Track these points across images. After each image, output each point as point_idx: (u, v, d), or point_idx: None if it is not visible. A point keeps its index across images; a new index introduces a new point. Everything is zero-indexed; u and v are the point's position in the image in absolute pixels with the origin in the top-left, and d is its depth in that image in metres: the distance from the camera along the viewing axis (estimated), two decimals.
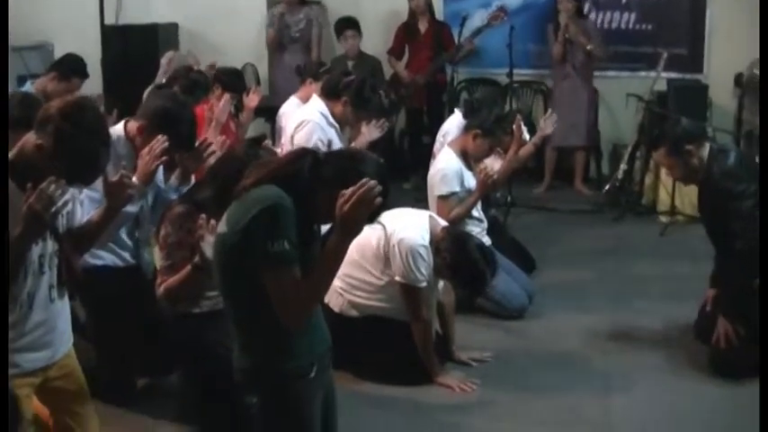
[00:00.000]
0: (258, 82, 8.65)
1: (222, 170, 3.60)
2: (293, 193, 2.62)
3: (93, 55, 8.17)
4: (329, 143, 5.17)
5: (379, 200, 2.49)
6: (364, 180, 2.48)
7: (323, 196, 2.59)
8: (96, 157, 3.08)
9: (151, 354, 4.29)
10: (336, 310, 4.46)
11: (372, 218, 2.63)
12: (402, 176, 8.32)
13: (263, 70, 8.92)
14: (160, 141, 3.83)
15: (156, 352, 4.24)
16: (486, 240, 5.27)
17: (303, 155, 2.80)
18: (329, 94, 5.44)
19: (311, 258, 2.65)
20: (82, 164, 3.03)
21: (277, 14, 8.51)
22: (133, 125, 4.10)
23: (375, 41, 8.68)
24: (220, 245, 2.71)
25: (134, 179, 3.75)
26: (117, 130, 4.13)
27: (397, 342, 4.33)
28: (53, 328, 3.35)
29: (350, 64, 8.17)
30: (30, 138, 3.05)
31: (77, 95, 3.71)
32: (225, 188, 2.93)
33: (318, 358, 2.82)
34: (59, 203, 2.93)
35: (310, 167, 2.69)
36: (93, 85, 8.29)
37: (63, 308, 3.42)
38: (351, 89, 5.33)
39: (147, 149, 3.86)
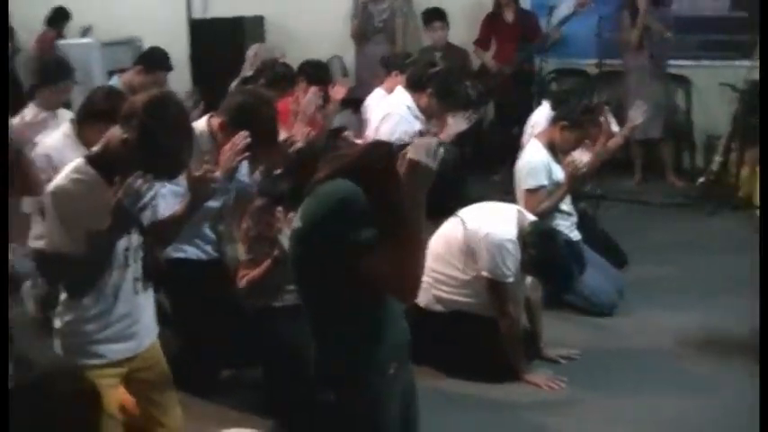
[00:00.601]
0: (345, 74, 8.66)
1: (299, 162, 3.58)
2: (367, 185, 2.58)
3: (180, 49, 8.32)
4: (413, 135, 5.12)
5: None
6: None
7: (397, 188, 2.51)
8: (180, 152, 3.09)
9: (234, 346, 4.31)
10: (421, 304, 4.40)
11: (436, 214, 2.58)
12: (491, 169, 8.22)
13: (350, 62, 8.90)
14: (242, 137, 3.82)
15: (239, 344, 4.26)
16: (576, 235, 5.17)
17: (375, 147, 2.76)
18: (414, 86, 5.39)
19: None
20: (166, 159, 3.04)
21: (360, 4, 8.48)
22: (216, 121, 4.10)
23: (461, 32, 8.58)
24: (295, 240, 2.69)
25: (217, 174, 3.76)
26: (200, 125, 4.14)
27: (482, 338, 4.26)
28: (137, 320, 3.39)
29: (437, 55, 8.08)
30: (115, 132, 3.07)
31: (163, 89, 3.72)
32: (301, 181, 2.90)
33: (397, 354, 2.78)
34: (146, 198, 2.95)
35: (385, 159, 2.65)
36: (181, 79, 8.44)
37: (147, 300, 3.46)
38: (436, 81, 5.27)
39: (229, 145, 3.86)
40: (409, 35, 8.79)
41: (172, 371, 3.74)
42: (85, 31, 9.88)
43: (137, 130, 2.97)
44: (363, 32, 8.55)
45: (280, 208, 3.59)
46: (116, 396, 3.48)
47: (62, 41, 9.29)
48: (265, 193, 3.89)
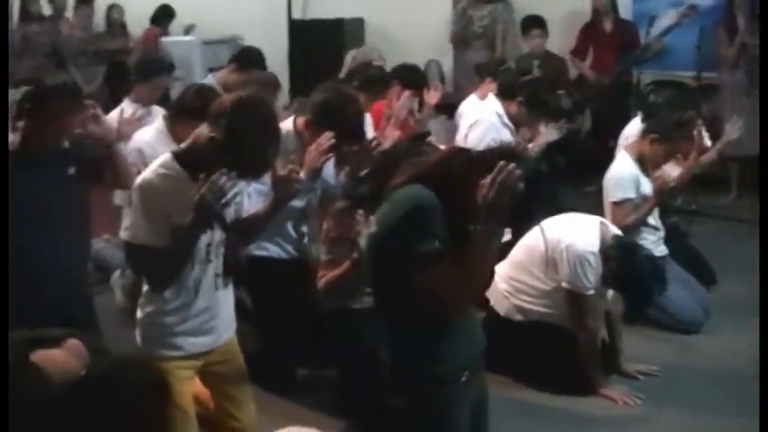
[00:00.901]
0: (442, 79, 8.65)
1: (382, 165, 3.60)
2: (444, 191, 2.59)
3: (280, 49, 8.42)
4: (501, 144, 5.09)
5: (521, 186, 2.43)
6: (501, 164, 2.43)
7: (474, 196, 2.51)
8: (265, 153, 3.14)
9: (311, 346, 4.36)
10: (501, 313, 4.40)
11: (521, 216, 2.57)
12: (585, 180, 8.12)
13: (448, 67, 8.89)
14: (327, 137, 3.85)
15: (316, 344, 4.30)
16: (662, 250, 5.08)
17: (454, 154, 2.77)
18: (505, 94, 5.37)
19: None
20: (251, 158, 3.10)
21: (460, 9, 8.47)
22: (301, 120, 4.14)
23: (559, 41, 8.51)
24: (370, 244, 2.71)
25: (301, 174, 3.81)
26: (287, 124, 4.18)
27: (561, 349, 4.22)
28: (216, 315, 3.45)
29: (535, 63, 8.03)
30: (203, 130, 3.14)
31: (251, 91, 3.79)
32: (382, 184, 2.92)
33: (470, 362, 2.79)
34: (229, 195, 3.01)
35: (463, 165, 2.65)
36: (281, 78, 8.53)
37: (227, 296, 3.52)
38: (527, 89, 5.24)
39: (314, 145, 3.89)
40: (509, 42, 8.74)
41: (249, 367, 3.80)
42: (188, 30, 10.09)
43: (224, 129, 3.03)
44: (462, 38, 8.53)
45: (360, 211, 3.61)
46: (191, 388, 3.56)
47: (165, 39, 9.52)
48: (347, 195, 3.92)
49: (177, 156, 3.21)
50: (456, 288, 2.55)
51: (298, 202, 3.97)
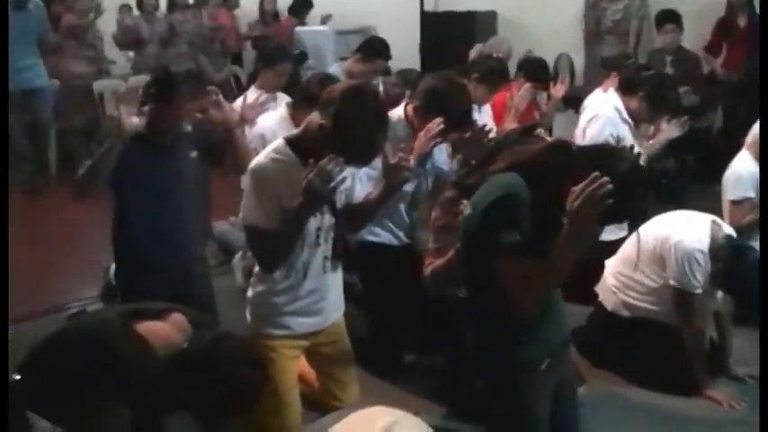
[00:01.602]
0: (572, 73, 8.59)
1: (490, 155, 3.64)
2: (539, 182, 2.62)
3: (412, 40, 8.51)
4: (618, 139, 5.05)
5: (609, 201, 2.43)
6: (594, 175, 2.43)
7: (570, 189, 2.52)
8: (373, 140, 3.23)
9: (419, 332, 4.44)
10: (609, 308, 4.39)
11: (613, 220, 2.58)
12: (716, 179, 7.93)
13: (580, 61, 8.82)
14: (436, 123, 3.93)
15: (424, 331, 4.38)
16: None
17: (556, 146, 2.79)
18: (626, 89, 5.29)
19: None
20: (359, 145, 3.19)
21: (592, 2, 8.39)
22: (411, 107, 4.22)
23: (693, 36, 8.33)
24: (462, 227, 2.77)
25: (411, 162, 3.89)
26: (397, 111, 4.27)
27: (666, 347, 4.17)
28: (324, 297, 3.57)
29: (667, 59, 7.90)
30: (314, 117, 3.25)
31: (362, 80, 3.90)
32: (487, 173, 2.96)
33: (552, 351, 2.81)
34: (337, 180, 3.12)
35: (561, 159, 2.68)
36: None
37: (335, 279, 3.64)
38: (647, 85, 5.17)
39: (423, 131, 3.97)
40: (643, 38, 8.61)
41: (357, 350, 3.92)
42: (325, 19, 10.31)
43: (333, 117, 3.14)
44: (594, 32, 8.45)
45: (465, 201, 3.66)
46: (297, 367, 3.70)
47: (300, 28, 9.75)
48: (455, 184, 3.98)
49: (290, 141, 3.34)
50: (532, 282, 2.59)
51: (408, 187, 4.04)
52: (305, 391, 3.74)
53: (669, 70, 7.70)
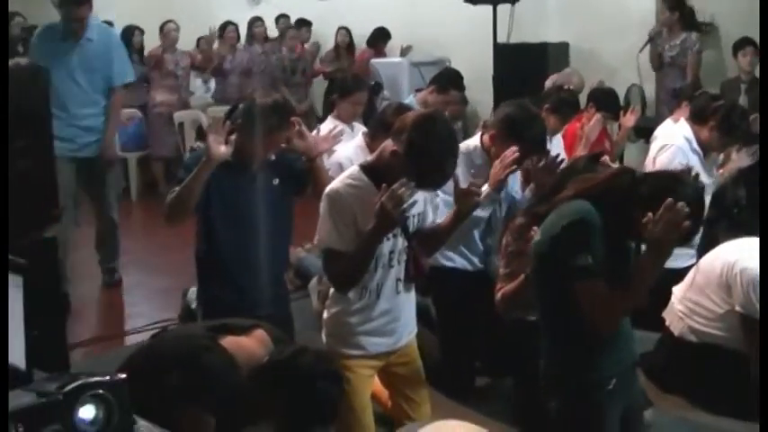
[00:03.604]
0: (644, 103, 8.64)
1: (559, 183, 3.74)
2: (607, 209, 2.73)
3: (485, 71, 8.62)
4: (689, 169, 5.10)
5: (687, 224, 2.54)
6: (668, 202, 2.54)
7: (638, 214, 2.65)
8: (443, 165, 3.36)
9: (491, 355, 4.53)
10: (676, 333, 4.45)
11: (685, 240, 2.68)
12: None
13: (651, 91, 8.85)
14: (512, 151, 4.04)
15: (496, 355, 4.47)
16: None
17: (622, 173, 2.89)
18: (696, 118, 5.36)
19: (624, 272, 2.74)
20: (430, 170, 3.33)
21: (648, 38, 8.45)
22: (487, 135, 4.34)
23: None
24: (534, 252, 2.89)
25: (485, 187, 4.01)
26: (474, 140, 4.42)
27: (733, 372, 4.20)
28: (397, 318, 3.69)
29: (742, 87, 7.91)
30: (388, 144, 3.41)
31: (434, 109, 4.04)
32: (557, 201, 3.07)
33: (620, 372, 2.90)
34: (407, 203, 3.25)
35: (628, 185, 2.78)
36: (484, 100, 8.78)
37: (408, 300, 3.75)
38: (718, 114, 5.23)
39: (499, 159, 4.09)
40: (707, 70, 8.62)
41: (430, 371, 4.03)
42: (405, 51, 10.49)
43: (405, 143, 3.29)
44: (657, 65, 8.51)
45: (536, 227, 3.76)
46: (371, 387, 3.82)
47: (375, 60, 9.95)
48: (526, 211, 4.08)
49: (364, 168, 3.49)
50: (607, 306, 2.71)
51: (482, 213, 4.17)
52: (378, 410, 3.86)
53: (743, 99, 7.70)
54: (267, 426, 3.16)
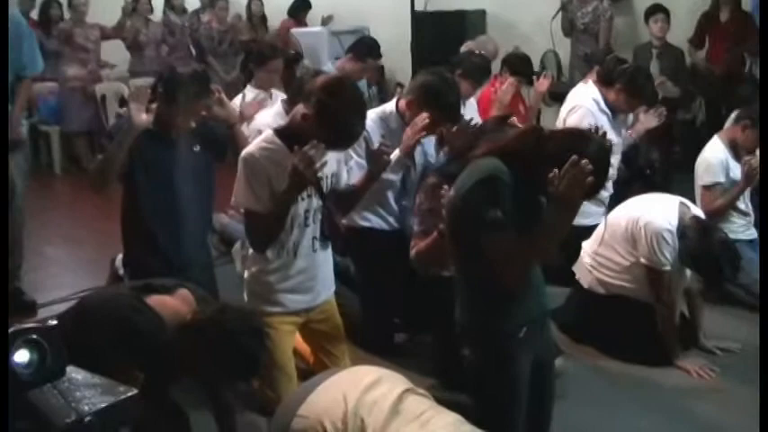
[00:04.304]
0: (559, 68, 8.86)
1: (468, 145, 3.90)
2: (517, 166, 2.86)
3: (404, 40, 8.76)
4: (596, 129, 5.29)
5: (591, 179, 2.66)
6: (573, 158, 2.66)
7: (546, 171, 2.74)
8: (351, 127, 3.51)
9: (409, 312, 4.70)
10: (585, 286, 4.66)
11: (589, 195, 2.81)
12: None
13: (566, 57, 9.06)
14: (422, 118, 4.19)
15: (412, 311, 4.63)
16: (751, 233, 5.24)
17: (530, 131, 3.03)
18: (604, 81, 5.56)
19: (534, 227, 2.86)
20: (338, 131, 3.47)
21: (561, 5, 8.67)
22: (403, 101, 4.48)
23: (680, 32, 8.54)
24: (447, 208, 3.04)
25: (396, 151, 4.17)
26: (390, 105, 4.56)
27: (639, 322, 4.42)
28: (314, 276, 3.84)
29: (653, 52, 8.15)
30: (299, 108, 3.55)
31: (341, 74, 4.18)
32: (467, 161, 3.21)
33: (529, 320, 3.03)
34: (318, 164, 3.39)
35: (535, 143, 2.91)
36: (403, 68, 8.92)
37: (325, 259, 3.90)
38: (625, 77, 5.42)
39: (411, 125, 4.24)
40: (627, 34, 8.86)
41: (350, 327, 4.18)
42: (326, 21, 10.57)
43: (314, 106, 3.43)
44: (569, 32, 8.71)
45: (446, 186, 3.91)
46: (292, 342, 3.96)
47: (295, 30, 10.02)
48: (438, 171, 4.24)
49: (278, 131, 3.63)
50: (515, 259, 2.83)
51: (394, 176, 4.32)
52: (300, 365, 4.00)
53: (655, 63, 7.95)
54: (192, 382, 3.31)
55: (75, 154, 9.84)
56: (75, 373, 1.92)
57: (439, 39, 8.80)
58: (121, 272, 4.94)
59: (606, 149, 2.92)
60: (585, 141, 2.86)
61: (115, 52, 10.51)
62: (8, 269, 3.21)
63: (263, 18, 10.79)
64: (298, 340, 4.07)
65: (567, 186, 2.68)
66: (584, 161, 2.65)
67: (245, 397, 3.80)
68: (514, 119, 4.25)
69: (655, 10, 8.27)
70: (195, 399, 3.45)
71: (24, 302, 5.36)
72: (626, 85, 5.37)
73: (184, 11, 10.66)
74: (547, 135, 2.96)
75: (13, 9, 5.27)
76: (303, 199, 3.63)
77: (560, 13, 8.77)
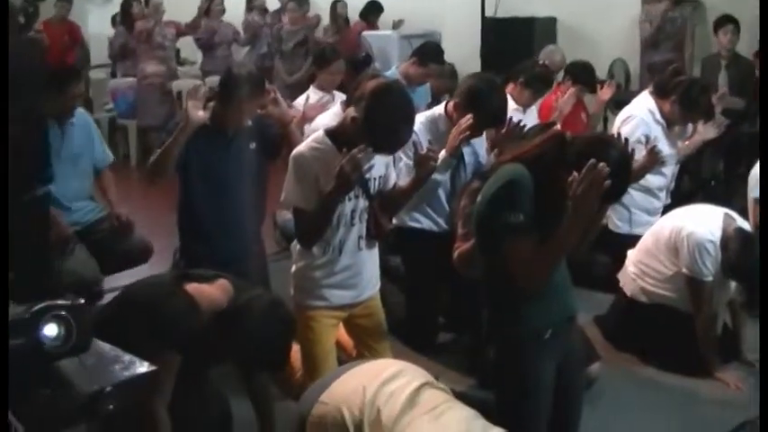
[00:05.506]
0: (627, 77, 8.86)
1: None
2: (539, 171, 2.95)
3: (473, 45, 8.82)
4: (647, 140, 5.35)
5: (608, 183, 2.71)
6: (590, 162, 2.72)
7: (567, 176, 2.79)
8: (397, 132, 3.61)
9: (454, 312, 4.81)
10: (628, 294, 4.72)
11: (609, 200, 2.89)
12: None
13: (635, 66, 9.05)
14: (466, 120, 4.31)
15: (458, 312, 4.74)
16: None
17: (554, 137, 3.11)
18: (659, 92, 5.59)
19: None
20: (384, 136, 3.57)
21: (646, 11, 8.64)
22: (452, 104, 4.59)
23: (750, 44, 8.46)
24: (474, 213, 3.14)
25: (443, 152, 4.28)
26: (439, 108, 4.68)
27: (680, 331, 4.47)
28: (359, 273, 3.94)
29: (722, 63, 8.10)
30: (350, 111, 3.68)
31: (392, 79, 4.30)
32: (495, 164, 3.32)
33: (554, 322, 3.09)
34: (365, 166, 3.52)
35: (558, 148, 2.99)
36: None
37: (370, 257, 4.00)
38: (680, 89, 5.45)
39: (455, 126, 4.36)
40: (698, 44, 8.82)
41: (395, 324, 4.30)
42: (397, 25, 10.68)
43: (363, 110, 3.55)
44: (650, 38, 8.68)
45: None
46: (335, 335, 4.09)
47: (366, 33, 10.17)
48: (480, 174, 4.33)
49: (329, 132, 3.75)
50: (537, 261, 2.89)
51: (441, 177, 4.43)
52: (342, 357, 4.13)
53: (723, 76, 7.91)
54: (227, 366, 3.48)
55: (150, 147, 10.13)
56: (105, 349, 2.07)
57: (508, 45, 8.80)
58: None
59: (627, 156, 2.99)
60: (606, 147, 2.91)
61: (195, 50, 10.81)
62: (8, 265, 3.33)
63: (347, 20, 10.94)
64: (341, 333, 4.18)
65: (583, 190, 2.72)
66: (601, 164, 2.70)
67: (284, 385, 3.94)
68: (557, 127, 4.34)
69: (724, 21, 8.18)
70: (238, 385, 3.62)
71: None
72: (680, 98, 5.39)
73: (265, 11, 10.91)
74: (569, 141, 3.01)
75: (80, 110, 5.37)
76: (350, 199, 3.74)
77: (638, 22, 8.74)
